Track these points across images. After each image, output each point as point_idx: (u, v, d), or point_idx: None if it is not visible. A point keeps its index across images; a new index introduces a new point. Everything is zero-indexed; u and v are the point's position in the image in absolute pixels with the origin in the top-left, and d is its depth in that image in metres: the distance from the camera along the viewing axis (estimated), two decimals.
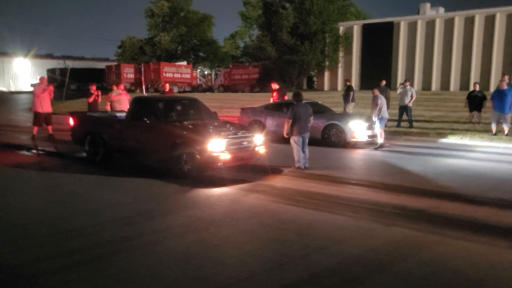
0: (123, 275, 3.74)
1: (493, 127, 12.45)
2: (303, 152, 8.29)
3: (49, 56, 59.24)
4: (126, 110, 11.82)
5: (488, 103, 13.66)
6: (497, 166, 8.65)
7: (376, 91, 11.23)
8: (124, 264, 3.96)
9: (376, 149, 10.75)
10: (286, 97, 14.29)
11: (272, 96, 14.42)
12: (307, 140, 8.41)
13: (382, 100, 10.85)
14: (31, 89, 41.35)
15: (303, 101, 8.61)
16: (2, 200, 6.28)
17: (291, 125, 8.18)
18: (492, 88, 21.49)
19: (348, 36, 32.65)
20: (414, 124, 14.74)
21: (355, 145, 11.36)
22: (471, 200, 6.16)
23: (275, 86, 14.66)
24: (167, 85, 16.14)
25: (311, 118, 8.52)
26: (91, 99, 13.34)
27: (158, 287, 3.53)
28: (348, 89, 16.13)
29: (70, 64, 41.20)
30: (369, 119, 11.48)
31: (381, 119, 10.83)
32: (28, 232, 4.86)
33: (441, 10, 32.69)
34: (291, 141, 8.29)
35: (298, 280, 3.64)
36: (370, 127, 11.23)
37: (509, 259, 4.10)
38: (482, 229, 4.92)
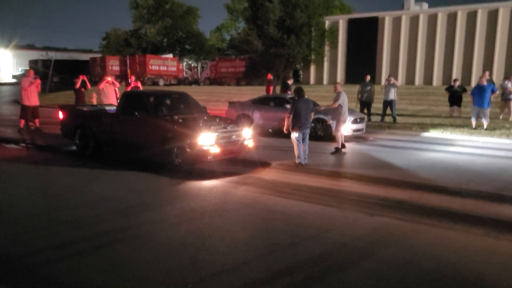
0: (122, 263, 3.94)
1: (473, 122, 12.89)
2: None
3: (31, 47, 58.29)
4: (113, 102, 11.91)
5: (468, 98, 14.12)
6: (475, 160, 9.04)
7: (339, 87, 9.76)
8: (122, 253, 4.17)
9: (332, 153, 9.52)
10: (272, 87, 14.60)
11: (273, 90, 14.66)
12: (307, 136, 8.36)
13: (343, 99, 9.53)
14: (13, 80, 40.29)
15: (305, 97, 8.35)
16: None
17: (292, 120, 8.11)
18: (474, 83, 22.08)
19: (334, 30, 32.96)
20: (398, 118, 15.12)
21: None
22: (449, 191, 6.50)
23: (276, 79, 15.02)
24: (133, 77, 14.53)
25: (312, 114, 8.47)
26: (77, 85, 13.61)
27: (156, 274, 3.74)
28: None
29: (53, 55, 40.53)
30: (355, 113, 11.76)
31: (338, 121, 9.59)
32: (27, 224, 5.01)
33: (425, 5, 33.24)
34: (292, 136, 8.22)
35: (288, 267, 3.89)
36: (355, 122, 11.53)
37: (483, 245, 4.43)
38: (459, 218, 5.24)
